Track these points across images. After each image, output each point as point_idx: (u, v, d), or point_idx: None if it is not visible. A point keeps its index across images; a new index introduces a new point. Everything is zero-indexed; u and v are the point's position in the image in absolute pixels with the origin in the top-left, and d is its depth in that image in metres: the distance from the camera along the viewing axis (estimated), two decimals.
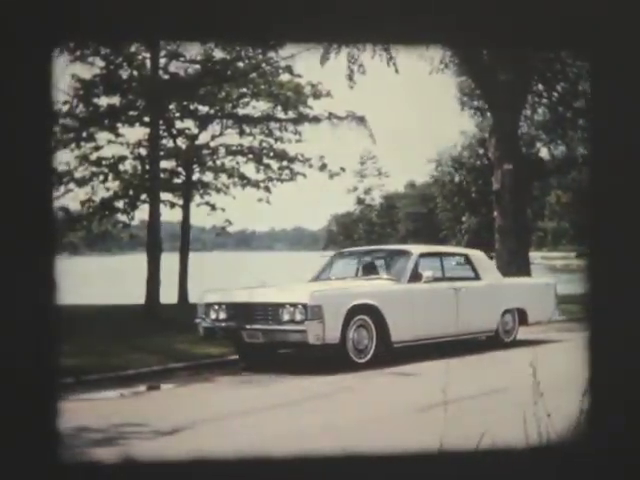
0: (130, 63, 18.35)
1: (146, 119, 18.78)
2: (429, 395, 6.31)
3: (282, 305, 10.76)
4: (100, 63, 17.97)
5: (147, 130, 19.08)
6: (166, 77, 18.77)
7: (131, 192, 20.40)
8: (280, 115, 21.60)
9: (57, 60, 1.35)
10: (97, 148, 19.91)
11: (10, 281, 1.28)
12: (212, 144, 21.80)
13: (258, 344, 11.10)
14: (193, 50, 18.50)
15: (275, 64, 20.57)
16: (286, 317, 10.69)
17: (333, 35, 1.49)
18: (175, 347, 12.23)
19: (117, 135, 19.94)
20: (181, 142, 21.61)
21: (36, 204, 1.29)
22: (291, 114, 21.47)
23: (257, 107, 21.69)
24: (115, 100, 18.71)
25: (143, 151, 20.37)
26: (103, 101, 18.57)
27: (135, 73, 18.59)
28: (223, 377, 10.48)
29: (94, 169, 20.16)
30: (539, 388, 3.59)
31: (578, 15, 1.38)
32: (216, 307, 11.47)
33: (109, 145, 20.11)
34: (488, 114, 25.80)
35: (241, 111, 21.73)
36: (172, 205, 21.71)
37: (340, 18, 1.34)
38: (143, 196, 20.03)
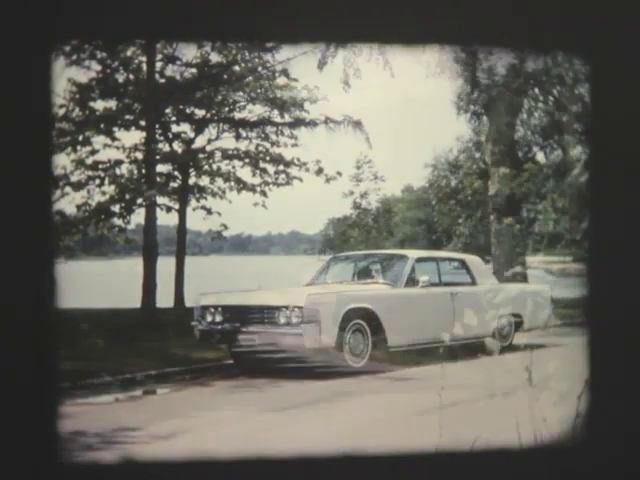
0: (126, 67, 18.33)
1: (142, 123, 18.76)
2: (425, 399, 6.30)
3: (278, 308, 10.75)
4: (96, 67, 17.96)
5: (143, 134, 19.06)
6: (162, 81, 18.75)
7: (127, 196, 20.34)
8: (276, 119, 21.59)
9: (54, 64, 1.35)
10: (93, 152, 19.84)
11: (9, 284, 1.28)
12: (208, 148, 21.76)
13: (254, 347, 11.07)
14: (189, 54, 18.51)
15: (271, 68, 20.57)
16: (282, 320, 10.68)
17: (332, 35, 1.50)
18: (171, 351, 12.20)
19: (113, 139, 19.89)
20: (177, 146, 21.59)
21: (35, 208, 1.29)
22: (287, 118, 21.46)
23: (253, 111, 21.69)
24: (111, 104, 18.69)
25: (139, 155, 20.36)
26: (99, 105, 18.55)
27: (131, 77, 18.56)
28: (220, 381, 10.46)
29: (90, 173, 20.09)
30: (535, 392, 3.59)
31: (578, 16, 1.38)
32: (212, 310, 11.45)
33: (105, 149, 20.04)
34: (484, 118, 25.81)
35: (237, 115, 21.71)
36: (168, 209, 21.66)
37: (339, 18, 1.34)
38: (139, 200, 19.98)
